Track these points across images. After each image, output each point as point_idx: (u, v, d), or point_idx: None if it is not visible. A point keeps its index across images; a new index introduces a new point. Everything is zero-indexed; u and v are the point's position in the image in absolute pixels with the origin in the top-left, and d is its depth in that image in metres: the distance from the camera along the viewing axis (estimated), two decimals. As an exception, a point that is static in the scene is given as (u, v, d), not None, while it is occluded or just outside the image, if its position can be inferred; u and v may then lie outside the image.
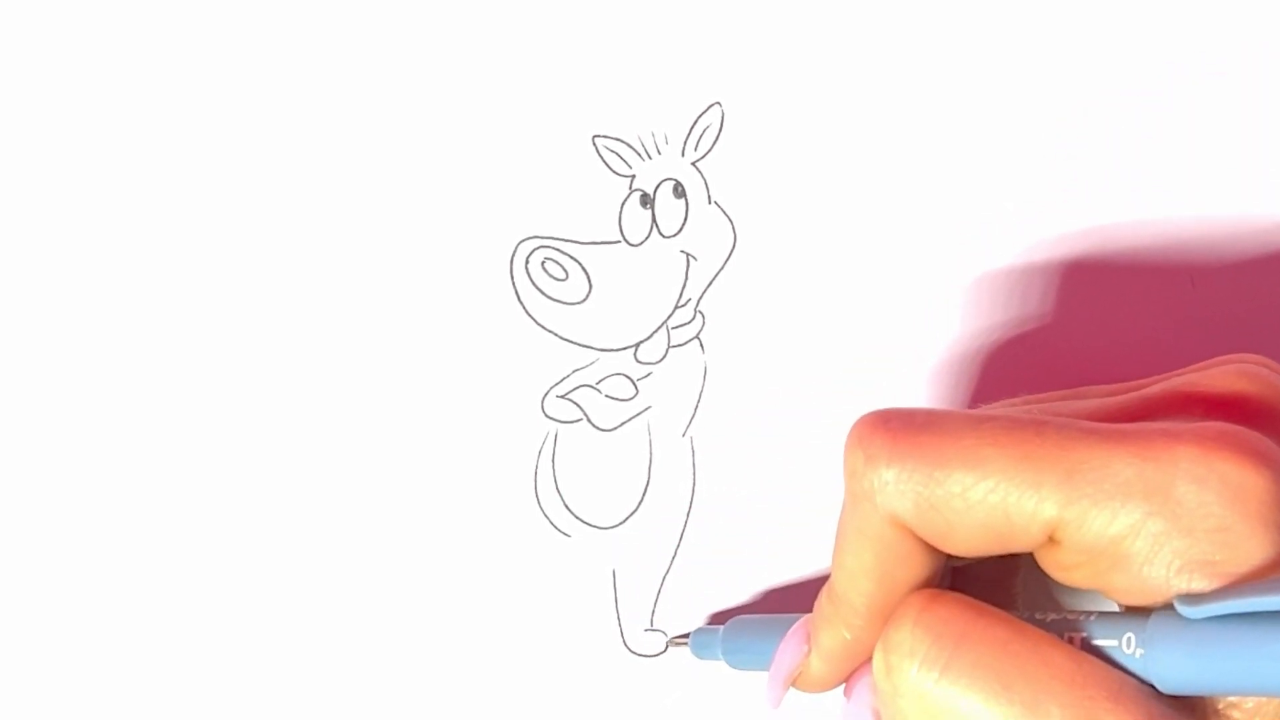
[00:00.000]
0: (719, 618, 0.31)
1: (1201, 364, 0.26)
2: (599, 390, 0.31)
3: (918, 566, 0.24)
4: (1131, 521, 0.21)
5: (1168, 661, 0.21)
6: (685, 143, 0.31)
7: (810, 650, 0.26)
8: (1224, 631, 0.20)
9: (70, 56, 0.29)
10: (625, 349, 0.31)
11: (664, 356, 0.31)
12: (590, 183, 0.31)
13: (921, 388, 0.32)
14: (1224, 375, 0.24)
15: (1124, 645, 0.22)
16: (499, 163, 0.31)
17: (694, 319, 0.32)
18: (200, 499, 0.30)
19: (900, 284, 0.32)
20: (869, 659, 0.25)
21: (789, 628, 0.27)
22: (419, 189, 0.30)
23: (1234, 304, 0.33)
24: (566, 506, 0.31)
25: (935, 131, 0.32)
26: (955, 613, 0.22)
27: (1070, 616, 0.23)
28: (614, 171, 0.31)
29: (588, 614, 0.31)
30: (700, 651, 0.30)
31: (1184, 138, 0.32)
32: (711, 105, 0.31)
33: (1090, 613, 0.23)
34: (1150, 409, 0.24)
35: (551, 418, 0.31)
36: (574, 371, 0.31)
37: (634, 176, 0.31)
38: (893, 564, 0.24)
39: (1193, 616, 0.21)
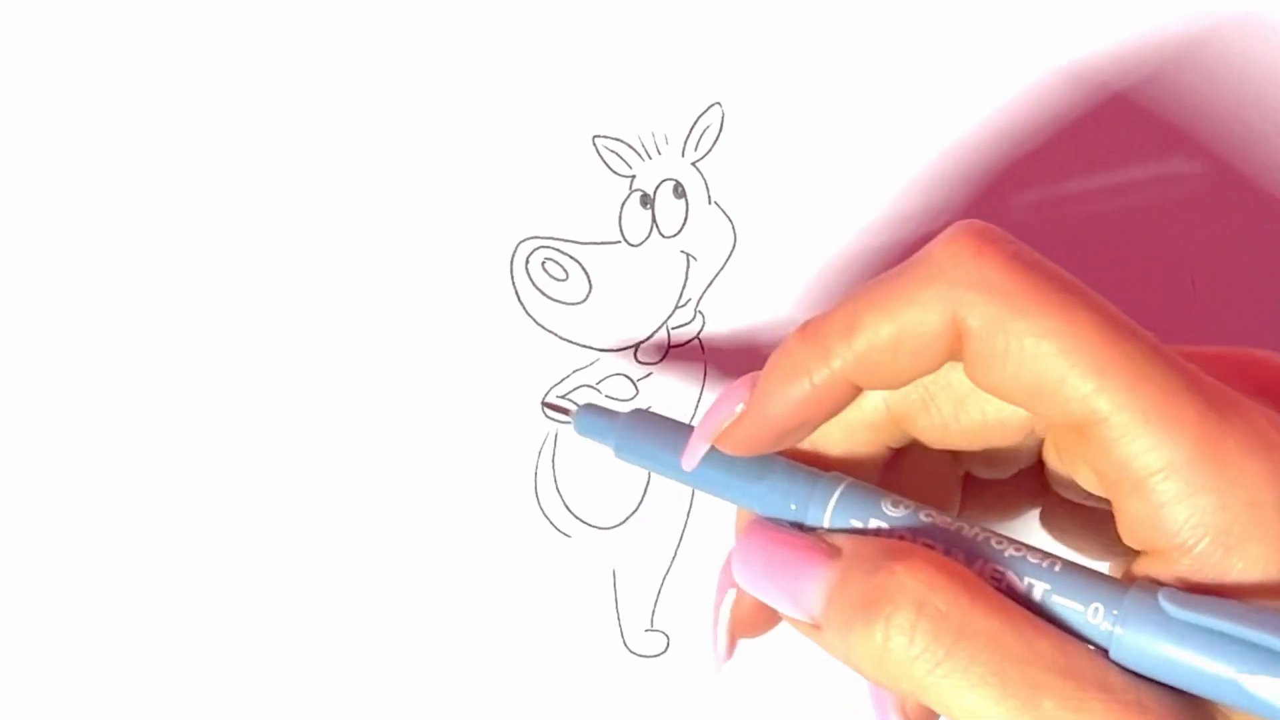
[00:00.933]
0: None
1: (1207, 346, 0.26)
2: (599, 390, 0.31)
3: (917, 368, 0.23)
4: (1172, 459, 0.21)
5: (1137, 647, 0.21)
6: (685, 143, 0.31)
7: (751, 401, 0.24)
8: (1201, 640, 0.20)
9: (70, 56, 0.29)
10: (625, 349, 0.31)
11: (664, 356, 0.31)
12: (590, 183, 0.31)
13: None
14: (1258, 351, 0.24)
15: (1090, 614, 0.22)
16: (499, 163, 0.31)
17: (694, 319, 0.32)
18: (201, 499, 0.30)
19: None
20: (794, 435, 0.24)
21: (689, 433, 0.26)
22: (419, 189, 0.30)
23: (1234, 304, 0.33)
24: (566, 506, 0.31)
25: (935, 131, 0.32)
26: (953, 603, 0.22)
27: (1034, 559, 0.23)
28: (614, 171, 0.31)
29: (588, 614, 0.31)
30: (586, 431, 0.28)
31: (1184, 138, 0.33)
32: (711, 105, 0.31)
33: (1056, 560, 0.23)
34: (1207, 363, 0.24)
35: (552, 418, 0.31)
36: (574, 371, 0.31)
37: (634, 176, 0.31)
38: (907, 347, 0.23)
39: (1175, 616, 0.21)
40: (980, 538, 0.23)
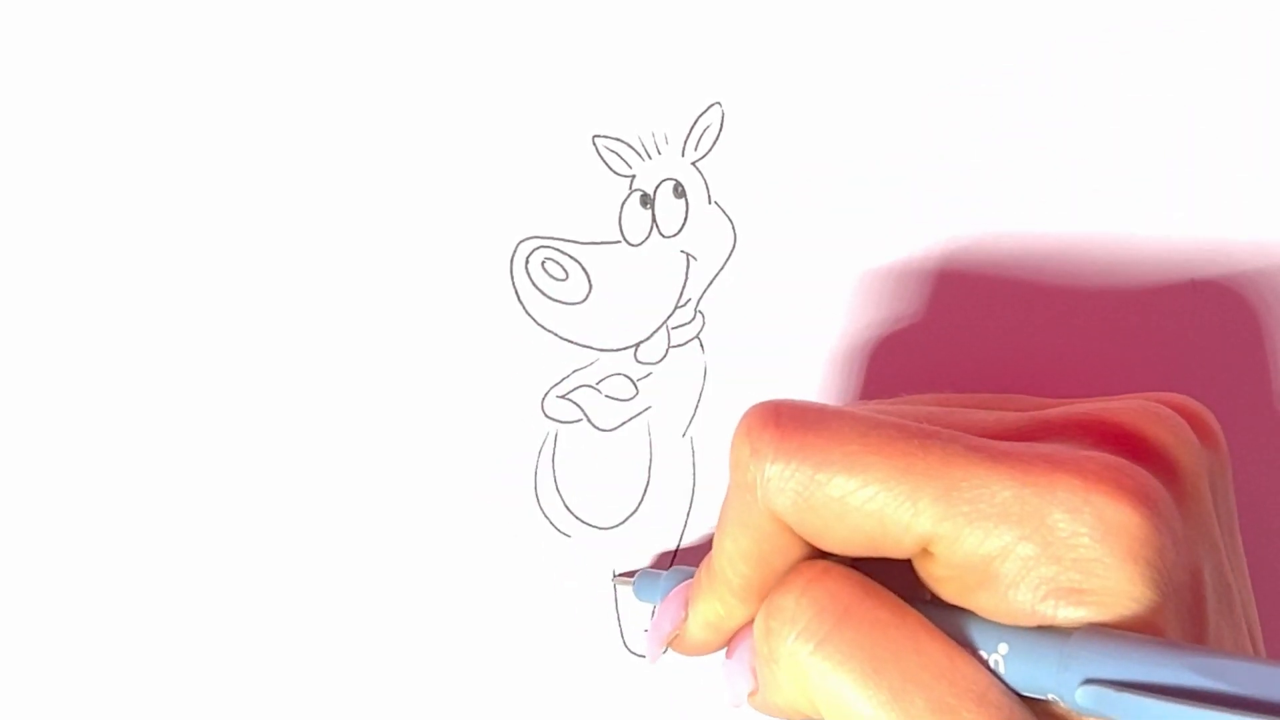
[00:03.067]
0: (665, 561, 0.31)
1: (1120, 395, 0.26)
2: (599, 390, 0.31)
3: (793, 557, 0.24)
4: (1003, 544, 0.21)
5: (1025, 672, 0.21)
6: (685, 143, 0.31)
7: (687, 617, 0.27)
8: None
9: (70, 57, 0.29)
10: (625, 349, 0.31)
11: (664, 356, 0.31)
12: (590, 183, 0.31)
13: (920, 388, 0.32)
14: (1128, 411, 0.24)
15: (991, 661, 0.22)
16: (499, 163, 0.31)
17: (694, 319, 0.32)
18: (200, 499, 0.30)
19: (900, 284, 0.32)
20: (746, 626, 0.25)
21: None
22: (419, 189, 0.30)
23: (1234, 304, 0.33)
24: (566, 506, 0.31)
25: (935, 131, 0.32)
26: (842, 589, 0.23)
27: (951, 610, 0.23)
28: (614, 171, 0.31)
29: (588, 614, 0.31)
30: (643, 594, 0.30)
31: (1184, 138, 0.32)
32: (711, 105, 0.31)
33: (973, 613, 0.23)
34: (1046, 431, 0.24)
35: (551, 418, 0.31)
36: (574, 371, 0.31)
37: (634, 176, 0.31)
38: (770, 552, 0.24)
39: (1086, 708, 0.21)
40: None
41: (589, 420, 0.31)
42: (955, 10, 0.32)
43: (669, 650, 0.28)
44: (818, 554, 0.24)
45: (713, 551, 0.25)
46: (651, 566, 0.31)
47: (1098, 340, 0.32)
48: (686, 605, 0.27)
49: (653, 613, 0.30)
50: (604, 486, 0.31)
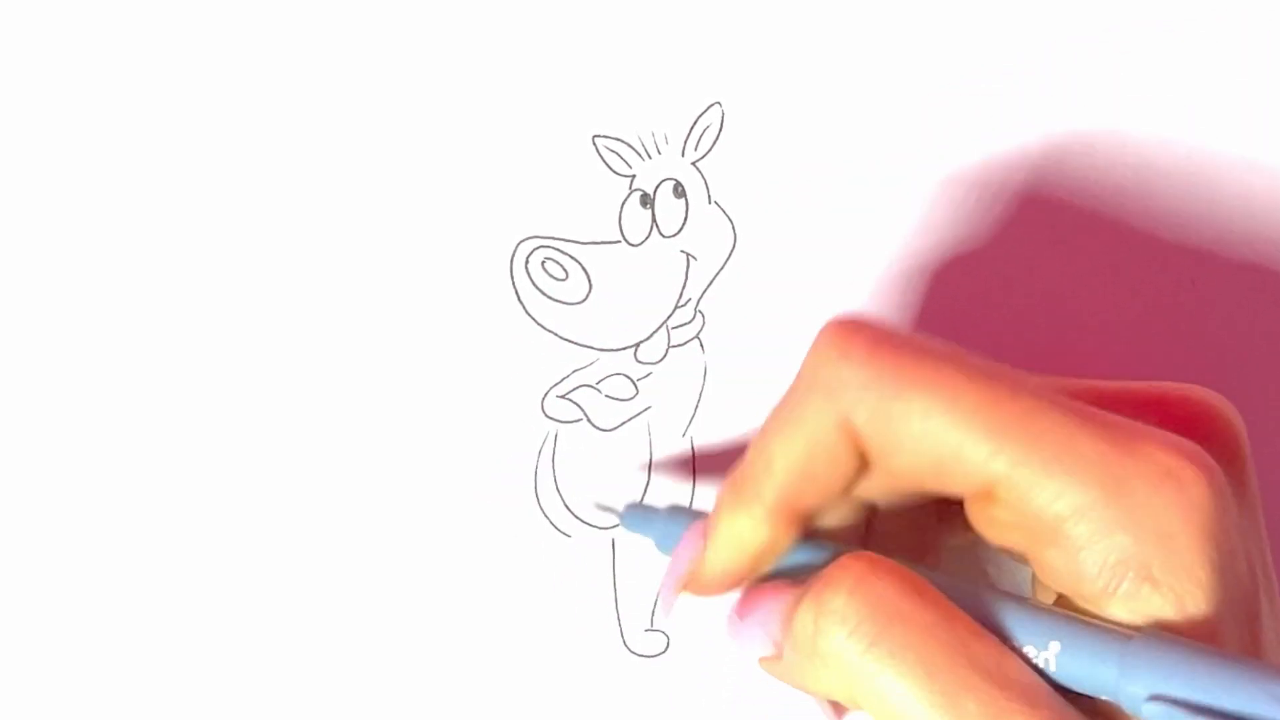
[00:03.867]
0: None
1: (1145, 385, 0.26)
2: (599, 390, 0.31)
3: (839, 472, 0.23)
4: (1080, 503, 0.21)
5: (1077, 669, 0.21)
6: (685, 143, 0.31)
7: (705, 546, 0.25)
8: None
9: (70, 57, 0.29)
10: (625, 349, 0.31)
11: (664, 356, 0.31)
12: (590, 183, 0.31)
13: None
14: (1194, 391, 0.24)
15: (1040, 659, 0.22)
16: (499, 163, 0.31)
17: (694, 319, 0.32)
18: (200, 499, 0.30)
19: (901, 283, 0.32)
20: (763, 562, 0.25)
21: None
22: (419, 189, 0.30)
23: (1234, 304, 0.33)
24: (566, 506, 0.31)
25: (935, 131, 0.32)
26: (892, 588, 0.22)
27: (1001, 603, 0.22)
28: (614, 171, 0.31)
29: (588, 614, 0.31)
30: (633, 525, 0.29)
31: (1184, 138, 0.32)
32: (711, 105, 0.31)
33: (1021, 600, 0.22)
34: (1117, 401, 0.24)
35: (551, 418, 0.31)
36: (574, 371, 0.31)
37: (634, 176, 0.31)
38: (820, 463, 0.23)
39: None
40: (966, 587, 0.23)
41: (589, 420, 0.31)
42: (955, 10, 0.32)
43: (681, 604, 0.27)
44: (849, 493, 0.24)
45: (747, 460, 0.24)
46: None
47: (1098, 338, 0.32)
48: (704, 536, 0.25)
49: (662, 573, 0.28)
50: (604, 486, 0.31)
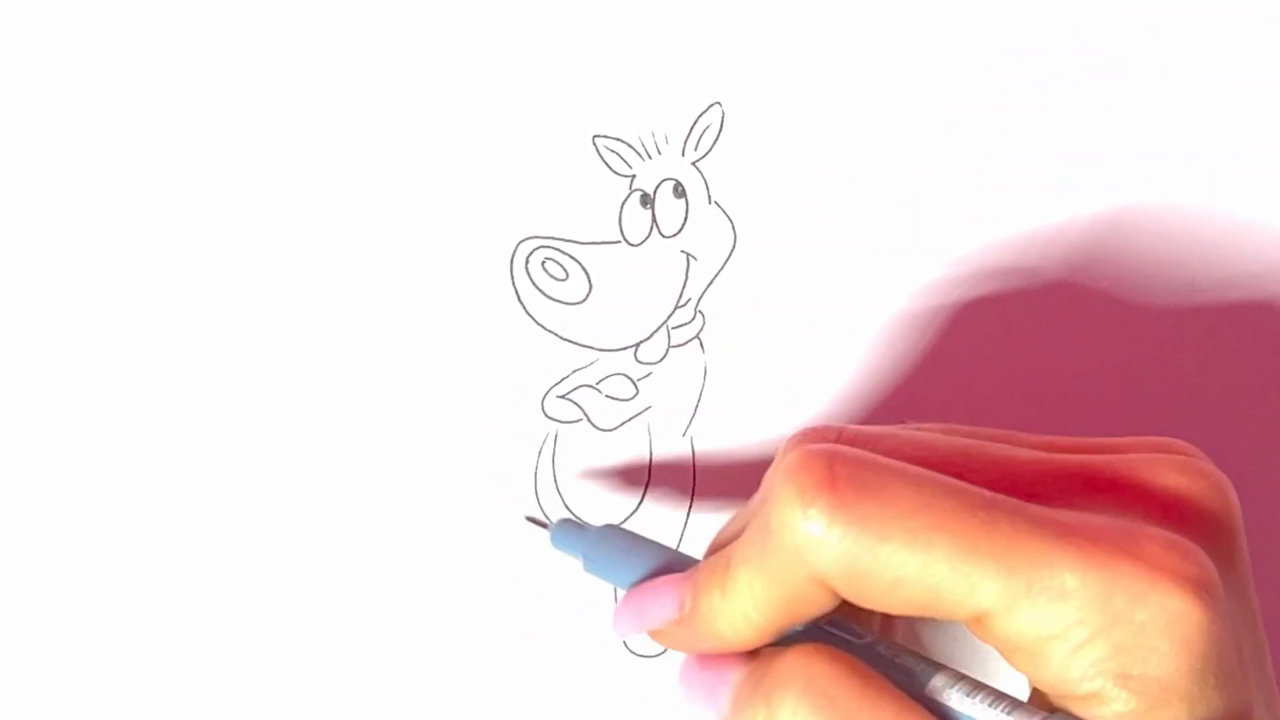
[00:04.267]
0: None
1: (1123, 441, 0.26)
2: (599, 390, 0.31)
3: (823, 605, 0.23)
4: (1061, 626, 0.21)
5: None
6: (685, 143, 0.31)
7: (683, 621, 0.26)
8: None
9: (70, 57, 0.29)
10: (625, 349, 0.31)
11: (664, 356, 0.31)
12: (590, 183, 0.31)
13: (920, 385, 0.32)
14: (1158, 466, 0.24)
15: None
16: (499, 163, 0.31)
17: (694, 319, 0.32)
18: (200, 499, 0.30)
19: (900, 283, 0.32)
20: (721, 662, 0.25)
21: (657, 559, 0.27)
22: (419, 189, 0.30)
23: (1234, 304, 0.33)
24: (566, 506, 0.31)
25: (935, 131, 0.32)
26: (843, 690, 0.22)
27: (956, 686, 0.23)
28: (614, 171, 0.31)
29: (588, 614, 0.31)
30: (559, 544, 0.29)
31: (1185, 138, 0.33)
32: (711, 105, 0.31)
33: (981, 687, 0.23)
34: (1093, 485, 0.24)
35: (551, 418, 0.31)
36: (574, 371, 0.31)
37: (634, 176, 0.31)
38: (801, 604, 0.23)
39: None
40: (919, 666, 0.23)
41: (589, 420, 0.31)
42: (956, 10, 0.32)
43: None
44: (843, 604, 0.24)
45: (734, 579, 0.24)
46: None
47: (1098, 337, 0.32)
48: (681, 605, 0.26)
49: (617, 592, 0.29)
50: (604, 486, 0.31)
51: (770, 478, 0.25)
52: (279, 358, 0.30)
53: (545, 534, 0.30)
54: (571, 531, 0.29)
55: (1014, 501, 0.22)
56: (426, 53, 0.30)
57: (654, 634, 0.26)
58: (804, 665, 0.23)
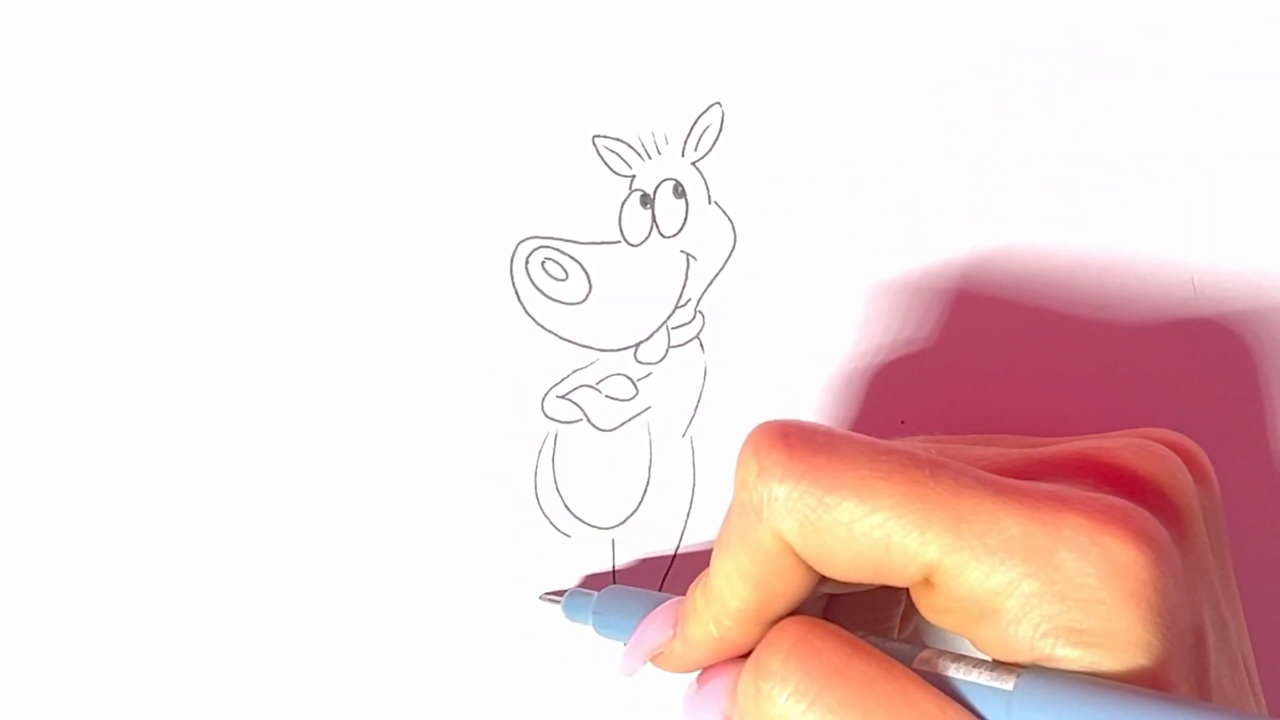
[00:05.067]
0: (593, 581, 0.31)
1: (1111, 432, 0.26)
2: (599, 390, 0.31)
3: (796, 581, 0.24)
4: (1008, 579, 0.21)
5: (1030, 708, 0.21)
6: (685, 143, 0.31)
7: (675, 636, 0.26)
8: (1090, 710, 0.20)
9: (70, 57, 0.29)
10: (625, 349, 0.31)
11: (664, 356, 0.31)
12: (590, 183, 0.31)
13: (919, 384, 0.32)
14: (1126, 449, 0.24)
15: (986, 680, 0.22)
16: (499, 163, 0.31)
17: (694, 319, 0.32)
18: (201, 499, 0.30)
19: (900, 283, 0.32)
20: (733, 655, 0.25)
21: (658, 604, 0.27)
22: (419, 189, 0.30)
23: (1234, 304, 0.33)
24: (566, 506, 0.31)
25: (935, 131, 0.32)
26: (829, 646, 0.23)
27: (941, 658, 0.23)
28: (614, 171, 0.31)
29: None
30: (571, 614, 0.30)
31: (1185, 138, 0.33)
32: (711, 105, 0.31)
33: (962, 657, 0.23)
34: (1046, 469, 0.24)
35: (551, 418, 0.31)
36: (574, 371, 0.31)
37: (634, 176, 0.31)
38: (772, 575, 0.24)
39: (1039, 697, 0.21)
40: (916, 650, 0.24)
41: (589, 420, 0.31)
42: (956, 11, 0.32)
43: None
44: (811, 594, 0.24)
45: (710, 571, 0.25)
46: (584, 586, 0.31)
47: (1098, 338, 0.32)
48: (674, 624, 0.26)
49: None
50: (604, 486, 0.31)
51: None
52: (279, 358, 0.30)
53: (545, 534, 0.31)
54: (580, 601, 0.30)
55: (959, 463, 0.23)
56: (427, 53, 0.30)
57: (656, 662, 0.27)
58: (792, 628, 0.23)
